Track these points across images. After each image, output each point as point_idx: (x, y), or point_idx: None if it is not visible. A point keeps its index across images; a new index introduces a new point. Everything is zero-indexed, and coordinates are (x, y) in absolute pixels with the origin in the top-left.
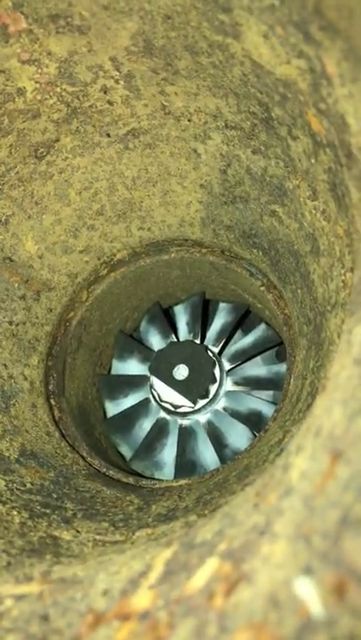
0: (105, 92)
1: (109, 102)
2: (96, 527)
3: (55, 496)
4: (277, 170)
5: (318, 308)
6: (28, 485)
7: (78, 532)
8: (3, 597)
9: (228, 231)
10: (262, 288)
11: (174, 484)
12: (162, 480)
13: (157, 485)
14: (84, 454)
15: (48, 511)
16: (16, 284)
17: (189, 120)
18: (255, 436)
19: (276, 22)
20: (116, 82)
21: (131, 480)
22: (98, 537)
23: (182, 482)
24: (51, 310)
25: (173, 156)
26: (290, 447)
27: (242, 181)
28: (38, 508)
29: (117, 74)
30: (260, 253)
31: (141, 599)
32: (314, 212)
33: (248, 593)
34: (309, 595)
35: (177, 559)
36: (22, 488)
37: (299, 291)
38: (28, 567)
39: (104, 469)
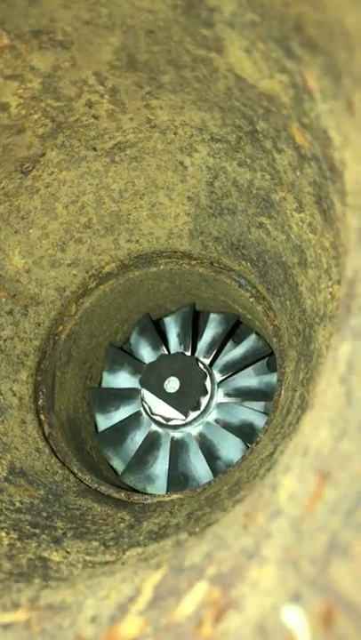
0: (90, 107)
1: (95, 116)
2: (86, 547)
3: (45, 515)
4: (263, 182)
5: (307, 320)
6: (17, 504)
7: (68, 552)
8: None
9: (216, 243)
10: (251, 299)
11: (166, 499)
12: (154, 495)
13: (149, 500)
14: (75, 470)
15: (37, 531)
16: (3, 299)
17: (175, 133)
18: (248, 447)
19: (257, 38)
20: (101, 96)
21: (122, 495)
22: (88, 557)
23: (174, 496)
24: (39, 325)
25: (160, 169)
26: (278, 466)
27: (229, 194)
28: (27, 528)
29: (102, 88)
30: (249, 265)
31: (130, 626)
32: (300, 224)
33: (237, 621)
34: (298, 624)
35: (166, 583)
36: (11, 507)
37: (288, 302)
38: (15, 593)
39: (95, 485)
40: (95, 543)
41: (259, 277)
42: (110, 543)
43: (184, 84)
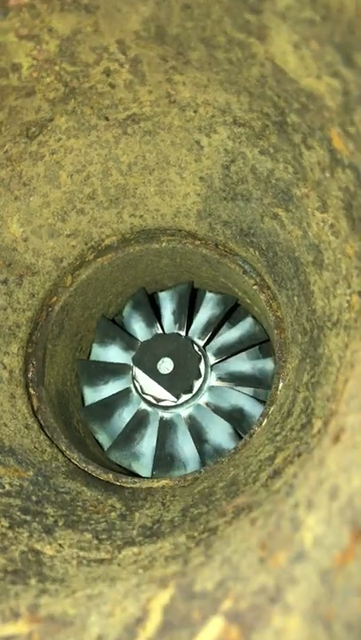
0: (107, 75)
1: (111, 85)
2: (79, 539)
3: (35, 499)
4: (285, 174)
5: (316, 321)
6: (7, 487)
7: (61, 545)
8: None
9: (224, 227)
10: (255, 287)
11: (155, 485)
12: (142, 478)
13: (138, 485)
14: (63, 448)
15: (28, 518)
16: None
17: (195, 111)
18: (236, 432)
19: (312, 36)
20: (121, 65)
21: (110, 477)
22: (82, 553)
23: (163, 482)
24: (33, 295)
25: (174, 146)
26: (296, 494)
27: (245, 180)
28: (18, 514)
29: (123, 57)
30: (257, 253)
31: None
32: (322, 224)
33: None
34: None
35: (176, 608)
36: (1, 490)
37: (295, 298)
38: (13, 599)
39: (83, 464)
40: (88, 535)
41: (266, 267)
42: (103, 536)
43: (213, 64)
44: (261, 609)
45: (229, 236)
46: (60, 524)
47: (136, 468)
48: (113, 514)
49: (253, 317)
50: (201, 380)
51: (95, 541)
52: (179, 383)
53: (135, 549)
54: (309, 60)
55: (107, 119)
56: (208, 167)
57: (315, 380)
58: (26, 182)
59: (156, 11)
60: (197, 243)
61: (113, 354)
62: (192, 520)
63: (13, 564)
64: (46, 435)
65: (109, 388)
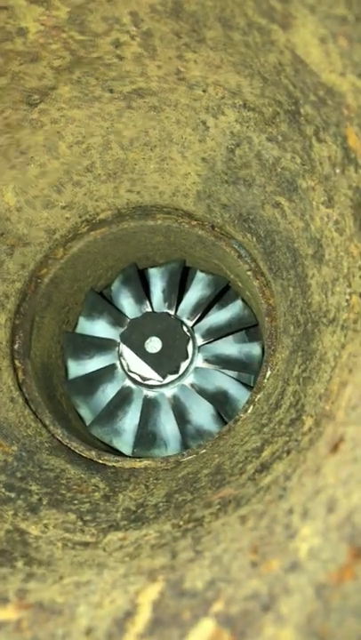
0: (116, 47)
1: (119, 57)
2: (63, 519)
3: (19, 475)
4: (292, 164)
5: (311, 315)
6: None
7: (46, 526)
8: None
9: (223, 210)
10: (249, 272)
11: (138, 466)
12: (124, 457)
13: (120, 464)
14: (47, 422)
15: (13, 495)
16: None
17: (204, 91)
18: (219, 415)
19: (342, 34)
20: (132, 38)
21: (93, 454)
22: (67, 535)
23: (146, 462)
24: (23, 266)
25: (179, 124)
26: (290, 499)
27: (249, 164)
28: (3, 490)
29: (135, 30)
30: (254, 239)
31: None
32: (326, 219)
33: None
34: None
35: (165, 605)
36: None
37: (291, 289)
38: (1, 582)
39: (67, 441)
40: (72, 516)
41: (262, 254)
42: (87, 517)
43: (228, 45)
44: (254, 616)
45: (227, 220)
46: (44, 502)
47: (117, 444)
48: (96, 494)
49: (243, 300)
50: (188, 361)
51: (80, 523)
52: (166, 363)
53: (120, 534)
54: (335, 56)
55: (111, 91)
56: (212, 148)
57: (306, 374)
58: (23, 151)
59: None
60: (194, 223)
61: (99, 328)
62: (177, 507)
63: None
64: (30, 409)
65: (94, 363)
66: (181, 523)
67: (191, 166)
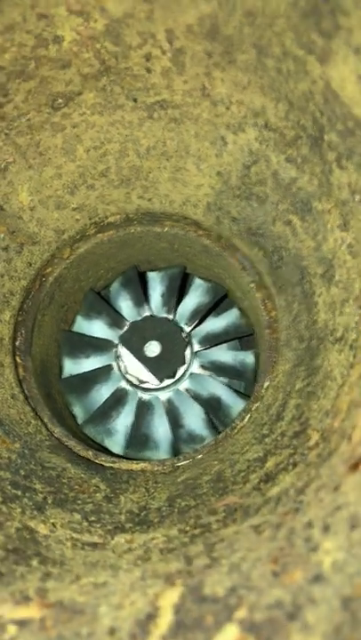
0: (147, 60)
1: (148, 69)
2: (69, 519)
3: (23, 473)
4: (309, 186)
5: (317, 332)
6: None
7: (54, 525)
8: (5, 623)
9: (232, 222)
10: (252, 285)
11: (135, 468)
12: (121, 459)
13: (118, 465)
14: (46, 420)
15: (19, 493)
16: (1, 235)
17: (227, 108)
18: (210, 419)
19: None
20: (163, 53)
21: (90, 454)
22: (75, 535)
23: (142, 465)
24: (30, 265)
25: (198, 137)
26: (308, 513)
27: (264, 182)
28: (9, 488)
29: (168, 46)
30: (261, 254)
31: None
32: (340, 242)
33: None
34: None
35: (187, 609)
36: None
37: (296, 304)
38: (20, 580)
39: (65, 439)
40: (77, 516)
41: (268, 268)
42: (92, 518)
43: (259, 69)
44: (279, 624)
45: (235, 232)
46: (49, 501)
47: (108, 444)
48: (98, 495)
49: (239, 309)
50: (185, 366)
51: (85, 523)
52: (164, 368)
53: (127, 536)
54: None
55: (135, 101)
56: (228, 163)
57: (310, 389)
58: (42, 152)
59: (217, 10)
60: (200, 232)
61: (97, 328)
62: (180, 512)
63: (12, 541)
64: (30, 406)
65: (90, 363)
66: (188, 528)
67: (205, 178)
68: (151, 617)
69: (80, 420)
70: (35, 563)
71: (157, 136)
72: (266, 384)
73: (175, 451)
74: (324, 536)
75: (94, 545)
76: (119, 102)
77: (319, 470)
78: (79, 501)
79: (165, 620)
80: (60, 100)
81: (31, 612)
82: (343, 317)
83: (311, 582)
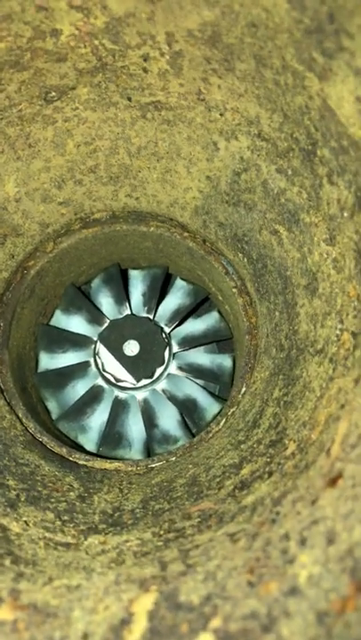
0: (145, 60)
1: (144, 70)
2: (42, 518)
3: None
4: (297, 198)
5: (297, 342)
6: None
7: (27, 523)
8: None
9: (218, 227)
10: (234, 289)
11: (109, 467)
12: (94, 457)
13: (91, 464)
14: (21, 415)
15: None
16: None
17: (221, 114)
18: (184, 421)
19: None
20: (162, 55)
21: (64, 451)
22: (47, 534)
23: (116, 464)
24: (13, 257)
25: (190, 141)
26: (286, 526)
27: (253, 190)
28: None
29: (167, 48)
30: (245, 260)
31: None
32: (325, 256)
33: None
34: None
35: (162, 616)
36: None
37: (277, 313)
38: None
39: (38, 435)
40: (50, 514)
41: (252, 275)
42: (65, 518)
43: (257, 79)
44: (254, 635)
45: (221, 237)
46: (22, 498)
47: (82, 440)
48: (72, 494)
49: (219, 313)
50: (163, 367)
51: (58, 522)
52: (142, 367)
53: (101, 538)
54: None
55: (129, 99)
56: (218, 169)
57: (288, 399)
58: (32, 144)
59: (220, 19)
60: (186, 235)
61: (75, 324)
62: (155, 515)
63: None
64: (5, 400)
65: (67, 358)
66: (162, 532)
67: (194, 182)
68: (125, 622)
69: (55, 416)
70: (7, 562)
71: (149, 136)
72: (243, 390)
73: (148, 451)
74: (300, 549)
75: (67, 545)
76: (113, 100)
77: (296, 482)
78: (52, 500)
79: (140, 626)
80: (54, 94)
81: (4, 613)
82: (325, 330)
83: (287, 595)
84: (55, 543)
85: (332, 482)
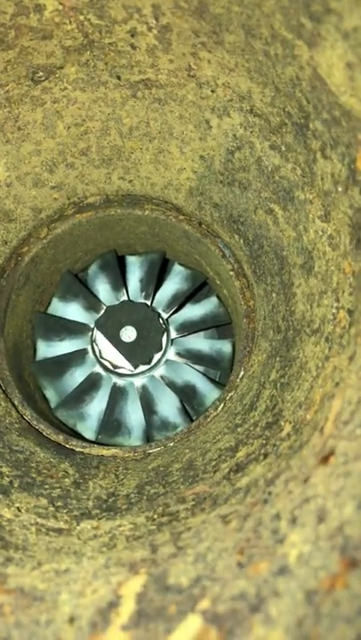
0: (132, 35)
1: (132, 46)
2: (35, 504)
3: None
4: (292, 175)
5: (293, 323)
6: None
7: (19, 509)
8: None
9: (214, 208)
10: (231, 272)
11: (106, 453)
12: (92, 444)
13: (88, 450)
14: (17, 403)
15: None
16: None
17: (213, 91)
18: (184, 408)
19: None
20: (149, 29)
21: (61, 438)
22: (40, 520)
23: (113, 451)
24: (6, 243)
25: (182, 119)
26: (277, 506)
27: (247, 169)
28: None
29: (154, 22)
30: (242, 242)
31: None
32: (320, 233)
33: None
34: None
35: (150, 598)
36: None
37: (274, 294)
38: None
39: (35, 422)
40: (43, 500)
41: (248, 257)
42: (59, 504)
43: (247, 51)
44: (242, 615)
45: (216, 219)
46: (15, 485)
47: (81, 428)
48: (66, 480)
49: (218, 298)
50: (161, 353)
51: (52, 508)
52: (139, 353)
53: (94, 523)
54: (360, 82)
55: (118, 78)
56: (212, 148)
57: (284, 380)
58: (21, 127)
59: None
60: (181, 217)
61: (72, 311)
62: (149, 500)
63: None
64: (1, 387)
65: (64, 346)
66: (155, 516)
67: (188, 162)
68: (113, 605)
69: (53, 404)
70: None
71: (140, 116)
72: (241, 374)
73: (148, 438)
74: (291, 528)
75: (59, 531)
76: (102, 79)
77: (290, 462)
78: (46, 486)
79: (127, 608)
80: (41, 73)
81: None
82: (321, 309)
83: (276, 575)
84: (47, 529)
85: (325, 459)
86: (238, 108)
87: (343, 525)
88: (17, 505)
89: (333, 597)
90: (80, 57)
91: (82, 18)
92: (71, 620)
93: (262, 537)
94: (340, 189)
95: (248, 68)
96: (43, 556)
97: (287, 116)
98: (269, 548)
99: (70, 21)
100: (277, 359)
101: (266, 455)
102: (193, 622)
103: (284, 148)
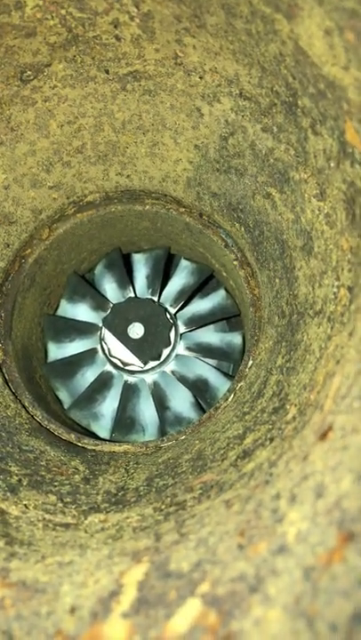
0: (115, 26)
1: (117, 38)
2: (44, 501)
3: None
4: (285, 156)
5: (297, 307)
6: None
7: (26, 506)
8: None
9: (213, 198)
10: (235, 262)
11: (117, 449)
12: (104, 441)
13: (100, 447)
14: (27, 404)
15: None
16: None
17: (201, 77)
18: (198, 402)
19: (349, 28)
20: (132, 18)
21: (73, 437)
22: (47, 516)
23: (125, 447)
24: (8, 245)
25: (173, 109)
26: (277, 485)
27: (242, 154)
28: None
29: (135, 10)
30: (243, 229)
31: (115, 630)
32: (317, 212)
33: None
34: None
35: (151, 585)
36: None
37: (277, 280)
38: None
39: (46, 422)
40: (52, 497)
41: (250, 244)
42: (68, 499)
43: (230, 32)
44: (241, 596)
45: (216, 208)
46: (24, 483)
47: (95, 428)
48: (77, 476)
49: (226, 290)
50: (170, 348)
51: (60, 504)
52: (148, 350)
53: (101, 516)
54: (340, 49)
55: (107, 72)
56: (205, 136)
57: (290, 365)
58: (13, 127)
59: None
60: (182, 210)
61: (81, 312)
62: (158, 491)
63: None
64: (10, 390)
65: (75, 346)
66: (163, 506)
67: (183, 153)
68: (114, 594)
69: (66, 405)
70: (1, 543)
71: (132, 109)
72: (249, 363)
73: (163, 434)
74: (290, 506)
75: (66, 525)
76: (91, 74)
77: (292, 442)
78: (56, 483)
79: (128, 597)
80: (29, 72)
81: None
82: (322, 289)
83: (275, 554)
84: (54, 524)
85: (323, 435)
86: (228, 93)
87: (340, 499)
88: (25, 502)
89: (331, 572)
90: (66, 53)
91: (63, 12)
92: (72, 610)
93: (262, 517)
94: (332, 165)
95: (233, 49)
96: (47, 550)
97: (276, 95)
98: (268, 528)
99: (52, 16)
100: (283, 344)
101: (272, 439)
102: (192, 606)
103: (275, 130)
